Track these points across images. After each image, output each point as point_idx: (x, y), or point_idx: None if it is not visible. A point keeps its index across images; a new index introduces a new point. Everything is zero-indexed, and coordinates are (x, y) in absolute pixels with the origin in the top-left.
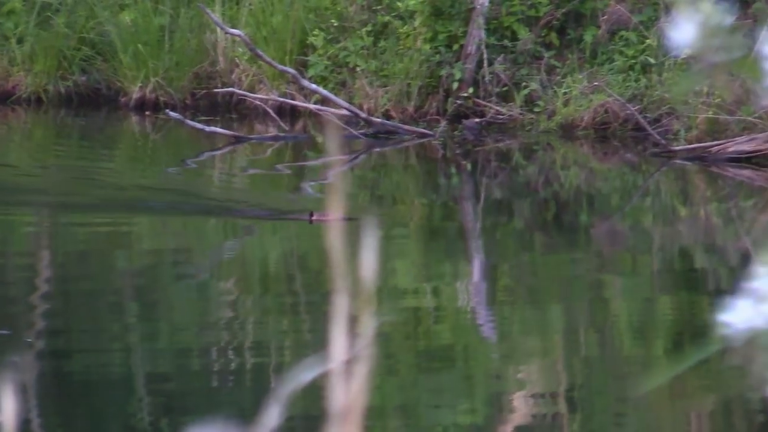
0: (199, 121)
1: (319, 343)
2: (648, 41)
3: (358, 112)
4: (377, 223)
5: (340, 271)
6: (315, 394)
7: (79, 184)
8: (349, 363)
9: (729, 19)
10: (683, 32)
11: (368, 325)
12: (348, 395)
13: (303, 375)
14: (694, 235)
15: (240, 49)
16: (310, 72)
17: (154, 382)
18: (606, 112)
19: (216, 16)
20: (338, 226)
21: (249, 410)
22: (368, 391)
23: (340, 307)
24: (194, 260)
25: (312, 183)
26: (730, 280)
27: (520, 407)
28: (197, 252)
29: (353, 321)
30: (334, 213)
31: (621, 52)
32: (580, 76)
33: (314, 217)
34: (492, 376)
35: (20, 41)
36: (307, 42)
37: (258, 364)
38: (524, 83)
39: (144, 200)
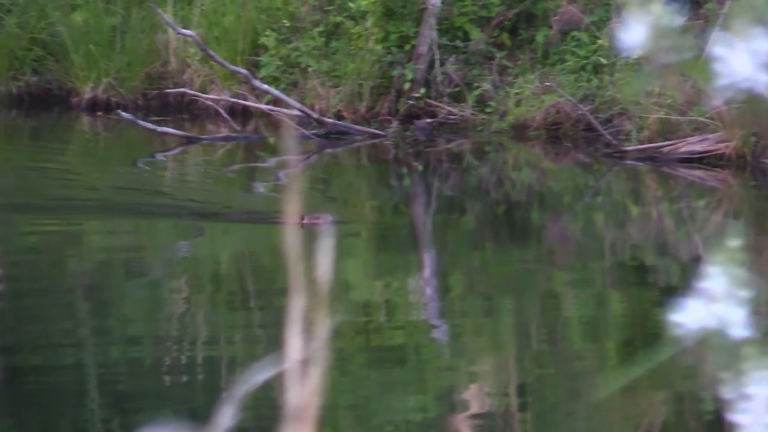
0: (150, 122)
1: (273, 343)
2: (600, 42)
3: (309, 112)
4: (332, 224)
5: (296, 272)
6: (270, 393)
7: (31, 184)
8: (304, 363)
9: (680, 20)
10: (634, 33)
11: (323, 326)
12: (303, 395)
13: (258, 375)
14: (645, 235)
15: (192, 50)
16: (262, 72)
17: (105, 382)
18: (558, 112)
19: (168, 16)
20: (328, 229)
21: (202, 410)
22: (322, 390)
23: (296, 307)
24: (151, 261)
25: (267, 183)
26: (682, 279)
27: (471, 404)
28: (154, 252)
29: (308, 321)
30: (325, 216)
31: (573, 53)
32: (532, 77)
33: (305, 221)
34: (443, 374)
35: None
36: (259, 42)
37: (211, 364)
38: (476, 84)
39: (109, 201)
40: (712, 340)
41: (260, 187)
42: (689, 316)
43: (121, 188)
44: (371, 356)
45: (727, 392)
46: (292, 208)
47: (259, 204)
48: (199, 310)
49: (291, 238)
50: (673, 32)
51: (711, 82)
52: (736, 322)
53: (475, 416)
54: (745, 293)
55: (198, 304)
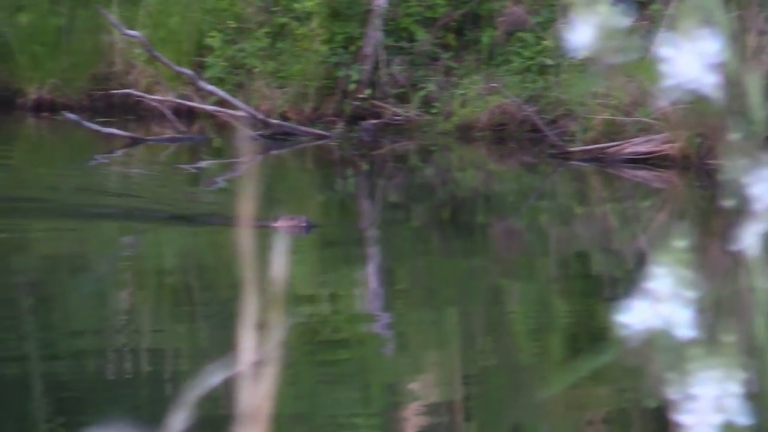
0: (96, 123)
1: (225, 347)
2: (545, 42)
3: (255, 113)
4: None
5: (248, 275)
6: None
7: None
8: (256, 366)
9: (627, 21)
10: (581, 34)
11: (276, 329)
12: (255, 396)
13: (210, 378)
14: (590, 236)
15: (137, 51)
16: (207, 73)
17: (50, 387)
18: (503, 113)
19: (113, 17)
20: (300, 231)
21: (150, 414)
22: (274, 394)
23: (248, 310)
24: (95, 263)
25: (214, 185)
26: (627, 280)
27: (416, 397)
28: (98, 254)
29: (260, 324)
30: (299, 218)
31: (518, 54)
32: (477, 78)
33: (280, 223)
34: (389, 382)
35: None
36: (204, 43)
37: (159, 368)
38: (421, 85)
39: (53, 202)
40: (657, 341)
41: (207, 189)
42: (635, 316)
43: (65, 189)
44: (314, 365)
45: (672, 393)
46: (246, 210)
47: (207, 206)
48: (146, 311)
49: (243, 239)
50: (619, 33)
51: (658, 83)
52: (682, 322)
53: (419, 409)
54: (690, 294)
55: (145, 306)
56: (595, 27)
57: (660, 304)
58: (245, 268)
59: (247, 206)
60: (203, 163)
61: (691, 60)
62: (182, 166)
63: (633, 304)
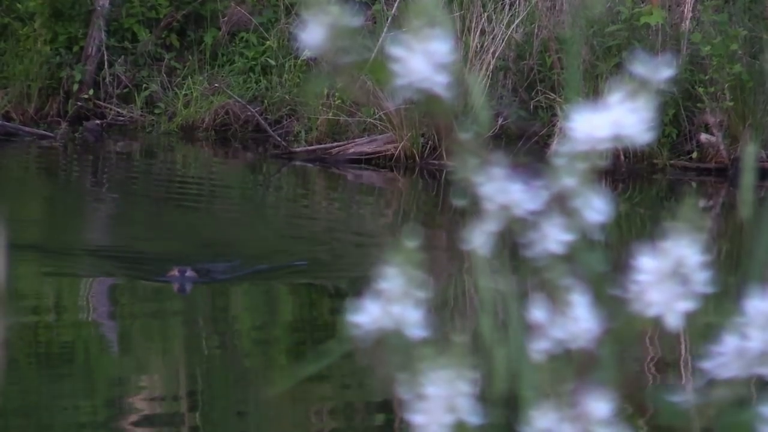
0: None
1: None
2: (268, 43)
3: None
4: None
5: None
6: None
7: None
8: None
9: (358, 21)
10: (311, 33)
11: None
12: None
13: None
14: (313, 237)
15: None
16: None
17: None
18: (227, 113)
19: None
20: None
21: None
22: None
23: None
24: None
25: None
26: (355, 280)
27: (141, 408)
28: None
29: None
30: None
31: (241, 54)
32: (201, 78)
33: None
34: (114, 379)
35: None
36: None
37: None
38: (145, 85)
39: None
40: (389, 341)
41: None
42: (366, 316)
43: None
44: (40, 362)
45: (403, 392)
46: None
47: None
48: None
49: None
50: (349, 33)
51: (388, 82)
52: (413, 322)
53: (144, 420)
54: (421, 294)
55: None
56: (326, 26)
57: (391, 304)
58: None
59: None
60: None
61: (421, 60)
62: None
63: (364, 305)
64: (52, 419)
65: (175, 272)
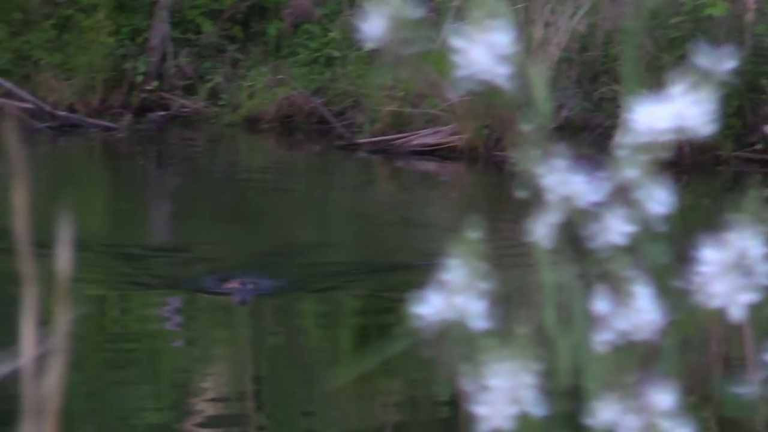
0: None
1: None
2: (331, 34)
3: (41, 104)
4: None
5: (28, 264)
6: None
7: None
8: (43, 357)
9: (419, 12)
10: (373, 24)
11: (63, 320)
12: (43, 389)
13: None
14: (380, 226)
15: None
16: None
17: None
18: (290, 105)
19: None
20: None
21: None
22: (62, 388)
23: (30, 300)
24: None
25: None
26: (422, 272)
27: (206, 409)
28: None
29: (46, 314)
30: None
31: (305, 45)
32: (265, 69)
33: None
34: (178, 381)
35: None
36: None
37: None
38: (208, 76)
39: None
40: (452, 332)
41: None
42: (429, 308)
43: None
44: (105, 359)
45: (466, 384)
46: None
47: None
48: None
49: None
50: (411, 24)
51: (450, 74)
52: (476, 313)
53: (210, 420)
54: (484, 285)
55: None
56: (388, 17)
57: (454, 296)
58: (25, 260)
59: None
60: None
61: (483, 51)
62: None
63: (428, 296)
64: (118, 421)
65: (235, 284)
